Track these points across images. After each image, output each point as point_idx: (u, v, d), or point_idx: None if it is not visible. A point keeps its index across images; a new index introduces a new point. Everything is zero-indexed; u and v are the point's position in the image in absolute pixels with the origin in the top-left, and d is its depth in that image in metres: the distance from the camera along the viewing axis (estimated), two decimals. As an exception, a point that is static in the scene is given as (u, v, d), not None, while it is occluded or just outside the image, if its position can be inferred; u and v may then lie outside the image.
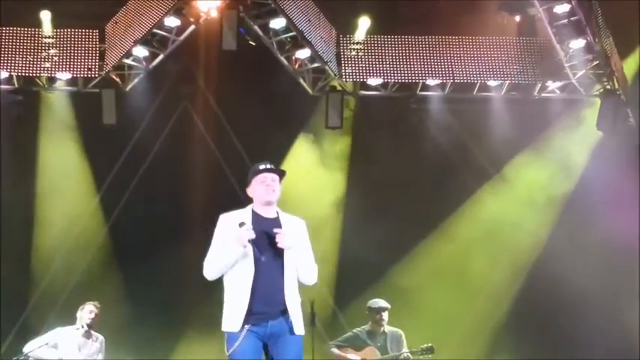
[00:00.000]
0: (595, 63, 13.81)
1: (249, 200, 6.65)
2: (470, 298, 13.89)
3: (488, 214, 14.40)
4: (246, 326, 6.27)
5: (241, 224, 6.33)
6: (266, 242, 6.38)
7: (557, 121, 14.38)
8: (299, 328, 6.40)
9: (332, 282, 13.78)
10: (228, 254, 6.35)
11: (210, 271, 6.44)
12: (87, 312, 10.48)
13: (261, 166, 6.58)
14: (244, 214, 6.50)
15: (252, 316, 6.28)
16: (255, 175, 6.55)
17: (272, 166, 6.60)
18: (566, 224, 13.95)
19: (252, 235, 6.32)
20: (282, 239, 6.35)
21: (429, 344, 10.73)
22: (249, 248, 6.32)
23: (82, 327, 10.42)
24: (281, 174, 6.61)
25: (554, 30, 13.51)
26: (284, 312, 6.35)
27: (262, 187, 6.49)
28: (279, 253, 6.37)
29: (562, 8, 13.21)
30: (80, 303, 10.69)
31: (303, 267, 6.51)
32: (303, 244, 6.56)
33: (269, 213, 6.54)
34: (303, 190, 13.45)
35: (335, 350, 10.95)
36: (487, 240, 14.25)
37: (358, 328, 11.09)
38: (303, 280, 6.54)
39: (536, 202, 14.29)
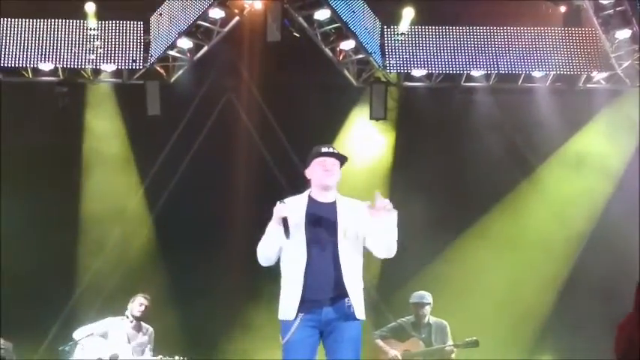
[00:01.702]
0: (641, 53, 13.70)
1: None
2: (515, 291, 13.75)
3: (530, 207, 14.30)
4: (300, 315, 6.19)
5: (280, 202, 6.27)
6: (320, 227, 6.27)
7: (602, 112, 14.26)
8: (358, 312, 6.26)
9: (376, 272, 13.74)
10: (267, 234, 6.29)
11: (259, 256, 6.38)
12: (137, 304, 10.56)
13: (323, 149, 6.47)
14: (301, 200, 6.40)
15: (306, 303, 6.19)
16: (315, 157, 6.44)
17: (334, 150, 6.49)
18: (610, 217, 13.80)
19: (285, 213, 6.22)
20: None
21: (474, 338, 10.68)
22: (302, 234, 6.23)
23: (131, 318, 10.48)
24: (342, 159, 6.49)
25: (600, 20, 13.45)
26: (339, 297, 6.22)
27: (321, 170, 6.38)
28: (333, 238, 6.26)
29: (608, -2, 13.13)
30: (125, 293, 10.79)
31: (375, 242, 6.35)
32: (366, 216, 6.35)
33: (326, 197, 6.39)
34: (346, 181, 13.42)
35: (379, 342, 10.92)
36: (529, 233, 14.14)
37: (403, 319, 11.06)
38: (381, 253, 6.39)
39: (580, 197, 14.14)
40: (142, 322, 10.55)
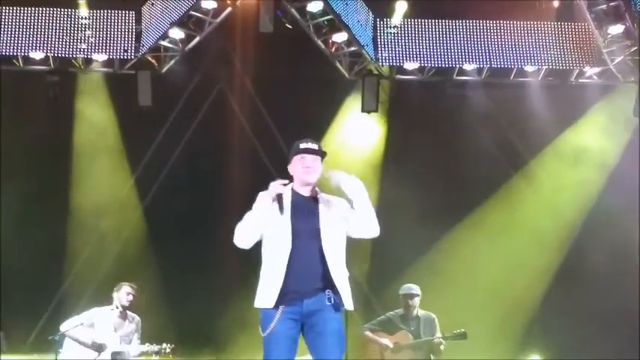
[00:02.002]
0: (634, 49, 13.69)
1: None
2: (506, 283, 13.79)
3: (523, 200, 14.33)
4: (280, 307, 6.14)
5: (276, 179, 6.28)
6: (305, 219, 6.26)
7: (593, 108, 14.28)
8: (346, 303, 6.24)
9: (365, 266, 13.75)
10: (255, 210, 6.21)
11: (239, 233, 6.27)
12: (124, 293, 10.47)
13: (302, 145, 6.41)
14: (285, 190, 6.34)
15: (287, 295, 6.15)
16: (296, 153, 6.39)
17: (313, 146, 6.43)
18: (601, 211, 13.85)
19: (282, 190, 6.20)
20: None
21: (462, 330, 10.69)
22: (288, 223, 6.21)
23: (118, 308, 10.44)
24: (322, 154, 6.44)
25: (593, 15, 13.48)
26: (321, 289, 6.19)
27: (301, 167, 6.35)
28: (317, 230, 6.23)
29: (601, -7, 13.15)
30: (115, 283, 10.69)
31: (354, 223, 6.33)
32: (346, 210, 6.36)
33: (308, 192, 6.39)
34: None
35: (368, 333, 10.94)
36: (521, 226, 14.18)
37: (392, 312, 11.07)
38: (362, 232, 6.36)
39: (571, 188, 14.18)
40: (128, 312, 10.49)
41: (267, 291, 6.19)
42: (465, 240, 14.05)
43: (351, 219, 6.34)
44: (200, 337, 13.50)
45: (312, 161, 6.37)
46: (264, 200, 6.22)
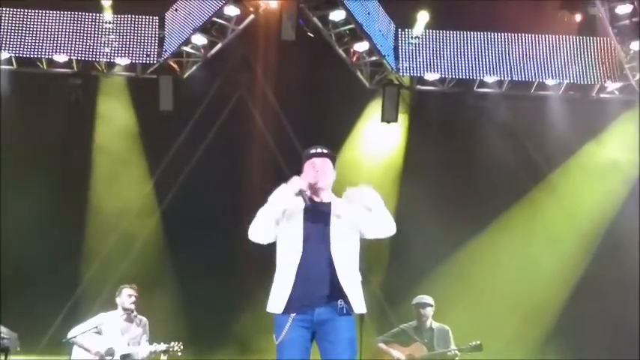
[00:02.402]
0: (655, 65, 13.68)
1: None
2: (525, 294, 13.77)
3: (542, 213, 14.30)
4: (292, 315, 6.17)
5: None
6: (316, 225, 6.28)
7: (614, 123, 14.25)
8: (358, 307, 6.27)
9: (382, 277, 13.75)
10: (276, 201, 6.27)
11: (255, 225, 6.32)
12: (126, 296, 10.48)
13: (312, 150, 6.51)
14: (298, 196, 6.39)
15: (297, 301, 6.18)
16: (306, 159, 6.49)
17: (322, 150, 6.51)
18: (622, 224, 13.80)
19: (303, 185, 6.25)
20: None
21: (478, 342, 10.68)
22: (300, 229, 6.24)
23: (122, 312, 10.46)
24: (331, 157, 6.52)
25: (615, 30, 13.47)
26: (332, 298, 6.22)
27: (312, 172, 6.40)
28: (327, 235, 6.26)
29: (624, 9, 13.17)
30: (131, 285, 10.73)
31: (370, 222, 6.38)
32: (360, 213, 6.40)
33: (321, 197, 6.42)
34: (356, 183, 13.42)
35: (382, 345, 10.94)
36: (541, 237, 14.16)
37: (405, 324, 11.08)
38: (375, 232, 6.41)
39: (590, 203, 14.14)
40: (134, 314, 10.51)
41: (277, 295, 6.25)
42: (483, 251, 14.04)
43: (367, 220, 6.36)
44: (216, 340, 13.54)
45: (321, 165, 6.42)
46: (284, 192, 6.27)
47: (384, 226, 6.42)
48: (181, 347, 10.29)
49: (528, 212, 14.31)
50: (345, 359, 6.22)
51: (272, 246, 6.41)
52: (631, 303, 13.23)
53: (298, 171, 6.56)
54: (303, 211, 6.31)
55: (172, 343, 10.30)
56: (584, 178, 14.21)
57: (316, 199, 6.40)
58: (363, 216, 6.36)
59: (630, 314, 13.24)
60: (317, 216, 6.32)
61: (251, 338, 13.12)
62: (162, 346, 10.30)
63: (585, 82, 14.00)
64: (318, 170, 6.40)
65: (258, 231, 6.33)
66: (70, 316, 12.74)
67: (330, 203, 6.41)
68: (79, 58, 13.65)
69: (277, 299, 6.22)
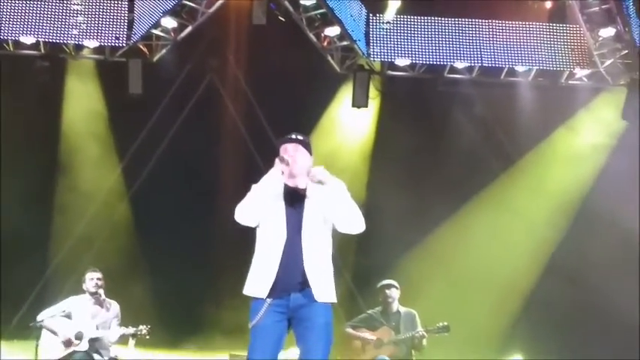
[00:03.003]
0: (624, 52, 13.76)
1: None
2: (489, 281, 13.82)
3: (508, 200, 14.35)
4: (268, 300, 6.15)
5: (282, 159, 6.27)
6: (294, 211, 6.27)
7: (583, 109, 14.33)
8: (328, 295, 6.25)
9: (352, 262, 13.77)
10: (263, 182, 6.21)
11: (243, 207, 6.24)
12: (88, 280, 10.41)
13: (286, 137, 6.46)
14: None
15: (277, 286, 6.14)
16: (279, 145, 6.43)
17: (296, 136, 6.46)
18: (587, 215, 13.88)
19: (279, 172, 6.23)
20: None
21: (445, 323, 10.69)
22: (282, 213, 6.22)
23: (92, 295, 10.40)
24: (304, 144, 6.44)
25: (585, 17, 13.52)
26: (307, 283, 6.19)
27: (282, 157, 6.31)
28: (300, 224, 6.24)
29: (594, -4, 13.20)
30: (99, 269, 10.67)
31: (339, 218, 6.34)
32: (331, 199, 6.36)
33: (298, 183, 6.36)
34: (326, 167, 13.43)
35: (350, 330, 10.93)
36: (507, 227, 14.19)
37: (372, 310, 11.07)
38: (343, 227, 6.36)
39: (557, 191, 14.23)
40: (103, 298, 10.45)
41: (259, 279, 6.20)
42: (453, 235, 14.10)
43: (341, 214, 6.33)
44: (187, 323, 13.55)
45: (294, 151, 6.35)
46: (275, 172, 6.22)
47: (355, 223, 6.38)
48: (150, 330, 10.26)
49: (498, 196, 14.36)
50: (321, 345, 6.19)
51: (244, 231, 6.38)
52: (602, 283, 13.30)
53: (268, 155, 6.55)
54: (283, 196, 6.29)
55: (140, 327, 10.25)
56: (553, 162, 14.31)
57: (291, 185, 6.37)
58: (338, 209, 6.33)
59: (600, 294, 13.31)
60: (294, 202, 6.30)
61: (223, 322, 13.11)
62: (131, 330, 10.25)
63: (555, 69, 14.05)
64: (290, 155, 6.34)
65: (247, 213, 6.26)
66: (39, 300, 12.64)
67: (305, 189, 6.36)
68: (47, 40, 13.51)
69: (260, 283, 6.18)
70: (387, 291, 10.86)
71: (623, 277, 13.17)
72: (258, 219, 6.28)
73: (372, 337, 10.77)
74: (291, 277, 6.19)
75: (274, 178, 6.24)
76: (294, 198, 6.32)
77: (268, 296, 6.16)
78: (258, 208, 6.24)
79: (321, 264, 6.28)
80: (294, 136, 6.45)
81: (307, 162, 6.41)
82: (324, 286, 6.25)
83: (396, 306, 10.87)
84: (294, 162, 6.31)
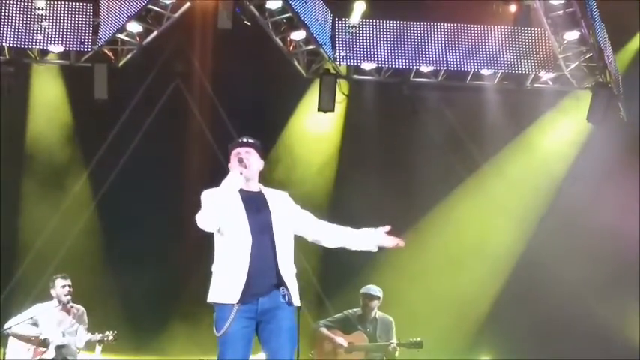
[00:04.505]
0: (588, 55, 13.84)
1: None
2: (456, 284, 13.87)
3: (473, 204, 14.40)
4: (236, 305, 6.09)
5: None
6: (257, 214, 6.25)
7: (548, 112, 14.42)
8: (294, 299, 6.27)
9: (316, 262, 13.73)
10: (224, 185, 6.15)
11: (204, 214, 6.16)
12: (59, 287, 10.37)
13: (237, 140, 6.48)
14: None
15: (246, 291, 6.10)
16: (230, 150, 6.44)
17: (247, 140, 6.46)
18: (554, 217, 13.98)
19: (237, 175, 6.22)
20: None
21: (418, 338, 10.70)
22: (244, 218, 6.18)
23: (57, 303, 10.34)
24: (256, 147, 6.44)
25: (549, 21, 13.56)
26: (275, 286, 6.20)
27: (237, 162, 6.31)
28: (269, 225, 6.25)
29: (558, -1, 13.26)
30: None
31: (320, 232, 6.52)
32: (299, 212, 6.50)
33: (252, 187, 6.39)
34: (293, 173, 13.50)
35: (323, 330, 10.88)
36: (471, 232, 14.25)
37: (350, 310, 10.99)
38: (329, 243, 6.58)
39: (524, 193, 14.30)
40: (70, 304, 10.40)
41: (228, 285, 6.15)
42: (420, 239, 14.08)
43: (312, 225, 6.50)
44: (154, 327, 13.54)
45: (246, 154, 6.35)
46: (234, 174, 6.20)
47: (333, 241, 6.62)
48: (116, 336, 10.24)
49: (463, 200, 14.40)
50: (288, 348, 6.21)
51: (209, 236, 6.36)
52: (574, 279, 13.38)
53: None
54: (242, 202, 6.26)
55: (107, 332, 10.24)
56: (519, 165, 14.35)
57: (248, 189, 6.36)
58: (310, 221, 6.49)
59: (571, 291, 13.39)
60: (256, 206, 6.29)
61: (190, 326, 13.07)
62: (97, 336, 10.25)
63: (520, 72, 14.10)
64: (242, 158, 6.32)
65: (210, 218, 6.17)
66: (5, 307, 12.54)
67: (260, 192, 6.41)
68: (11, 45, 13.40)
69: (229, 288, 6.13)
70: (369, 302, 10.82)
71: (595, 272, 13.29)
72: (219, 223, 6.22)
73: (345, 342, 10.75)
74: (263, 280, 6.18)
75: (235, 180, 6.20)
76: (254, 201, 6.31)
77: (238, 301, 6.11)
78: (221, 211, 6.17)
79: (291, 266, 6.32)
80: (245, 140, 6.46)
81: (260, 165, 6.46)
82: (294, 288, 6.29)
83: (374, 312, 10.86)
84: (247, 164, 6.30)
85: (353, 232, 6.67)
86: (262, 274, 6.17)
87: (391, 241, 6.70)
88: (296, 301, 6.28)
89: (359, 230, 6.70)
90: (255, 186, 6.41)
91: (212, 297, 6.22)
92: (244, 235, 6.19)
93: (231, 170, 6.28)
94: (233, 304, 6.10)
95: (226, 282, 6.17)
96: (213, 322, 6.20)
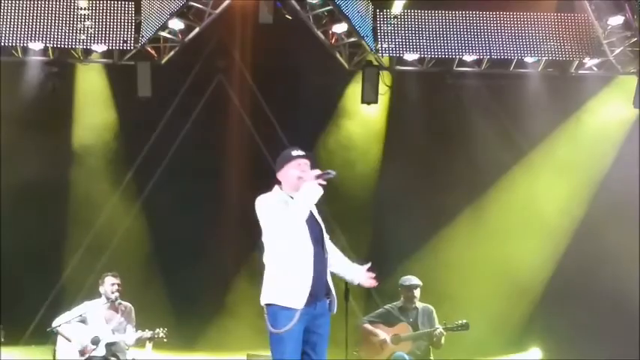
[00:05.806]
0: (633, 40, 13.68)
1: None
2: (505, 275, 13.78)
3: (521, 192, 14.31)
4: (299, 308, 6.38)
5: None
6: (312, 225, 6.50)
7: (593, 99, 14.28)
8: (335, 307, 6.61)
9: (366, 257, 13.74)
10: (310, 194, 6.37)
11: (299, 212, 6.37)
12: (109, 284, 10.46)
13: (294, 152, 6.62)
14: (282, 196, 6.53)
15: (310, 296, 6.38)
16: (288, 161, 6.59)
17: (304, 152, 6.65)
18: (602, 204, 13.83)
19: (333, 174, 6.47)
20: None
21: (464, 321, 10.66)
22: (305, 228, 6.41)
23: (108, 300, 10.42)
24: (312, 160, 6.67)
25: (593, 6, 13.45)
26: (326, 295, 6.51)
27: (298, 173, 6.53)
28: (322, 237, 6.54)
29: (601, -16, 13.14)
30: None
31: (333, 254, 6.77)
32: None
33: None
34: (337, 166, 13.44)
35: (367, 326, 10.94)
36: (521, 219, 14.14)
37: (390, 305, 11.06)
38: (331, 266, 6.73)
39: (571, 180, 14.17)
40: (118, 302, 10.47)
41: (295, 291, 6.38)
42: (466, 230, 14.07)
43: (331, 246, 6.80)
44: (200, 326, 13.60)
45: (305, 166, 6.59)
46: (314, 184, 6.39)
47: None
48: (167, 333, 10.30)
49: (510, 188, 14.31)
50: (326, 354, 6.59)
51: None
52: (610, 279, 13.26)
53: (277, 154, 6.74)
54: None
55: (157, 330, 10.31)
56: (565, 153, 14.23)
57: None
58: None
59: (610, 289, 13.28)
60: (311, 216, 6.50)
61: (239, 322, 13.12)
62: (148, 333, 10.31)
63: (564, 59, 13.98)
64: (305, 171, 6.53)
65: (299, 218, 6.39)
66: (55, 305, 12.70)
67: None
68: (55, 45, 13.51)
69: (296, 295, 6.35)
70: (410, 292, 10.83)
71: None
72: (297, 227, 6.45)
73: (389, 334, 10.77)
74: (320, 288, 6.46)
75: (318, 192, 6.42)
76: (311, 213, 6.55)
77: (304, 305, 6.39)
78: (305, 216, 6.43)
79: (330, 277, 6.64)
80: (304, 152, 6.66)
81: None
82: (335, 297, 6.61)
83: (415, 302, 10.87)
84: (310, 177, 6.49)
85: (347, 263, 6.85)
86: (319, 283, 6.45)
87: (367, 282, 6.83)
88: (336, 308, 6.61)
89: (350, 263, 6.87)
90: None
91: (276, 299, 6.43)
92: (307, 243, 6.43)
93: (306, 181, 6.44)
94: (298, 309, 6.36)
95: (292, 286, 6.40)
96: (269, 320, 6.43)
